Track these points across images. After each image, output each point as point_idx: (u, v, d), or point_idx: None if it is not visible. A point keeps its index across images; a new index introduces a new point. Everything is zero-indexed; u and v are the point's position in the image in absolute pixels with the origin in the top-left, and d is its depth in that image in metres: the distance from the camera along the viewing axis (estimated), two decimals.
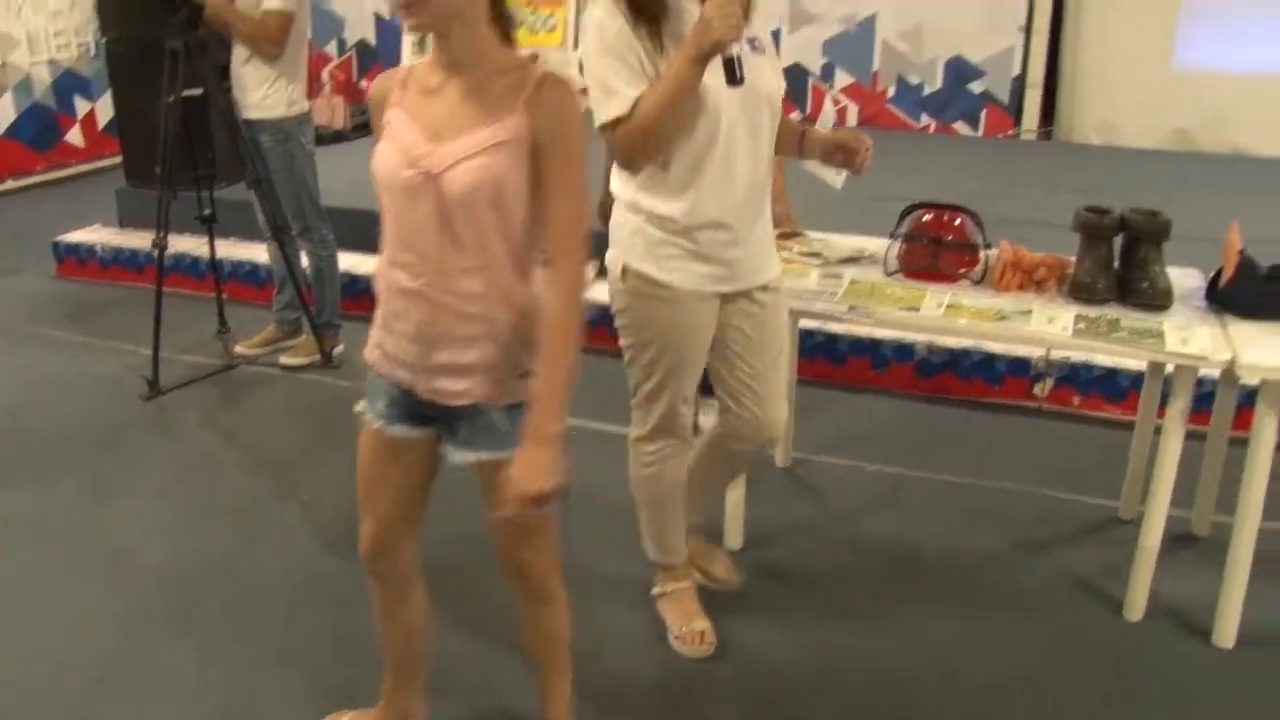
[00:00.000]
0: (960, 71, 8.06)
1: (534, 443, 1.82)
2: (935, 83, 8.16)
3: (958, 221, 3.12)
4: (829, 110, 3.50)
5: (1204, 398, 3.56)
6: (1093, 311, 2.88)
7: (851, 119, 8.31)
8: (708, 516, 3.11)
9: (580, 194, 1.84)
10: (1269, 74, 7.51)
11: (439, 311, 1.89)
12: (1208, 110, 7.69)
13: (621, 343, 2.58)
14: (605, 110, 2.28)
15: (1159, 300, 2.88)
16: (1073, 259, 3.02)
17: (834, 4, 8.24)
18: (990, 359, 4.32)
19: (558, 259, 1.84)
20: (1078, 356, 4.19)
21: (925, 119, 8.24)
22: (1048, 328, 2.80)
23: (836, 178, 3.44)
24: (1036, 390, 4.31)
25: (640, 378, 2.59)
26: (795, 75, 8.33)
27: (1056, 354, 4.22)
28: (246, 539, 3.40)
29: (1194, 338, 2.72)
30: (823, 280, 3.11)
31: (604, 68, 2.28)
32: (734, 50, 2.20)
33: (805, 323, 4.10)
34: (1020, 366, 4.30)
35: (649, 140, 2.28)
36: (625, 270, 2.48)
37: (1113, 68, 7.55)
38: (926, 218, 3.14)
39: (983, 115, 8.08)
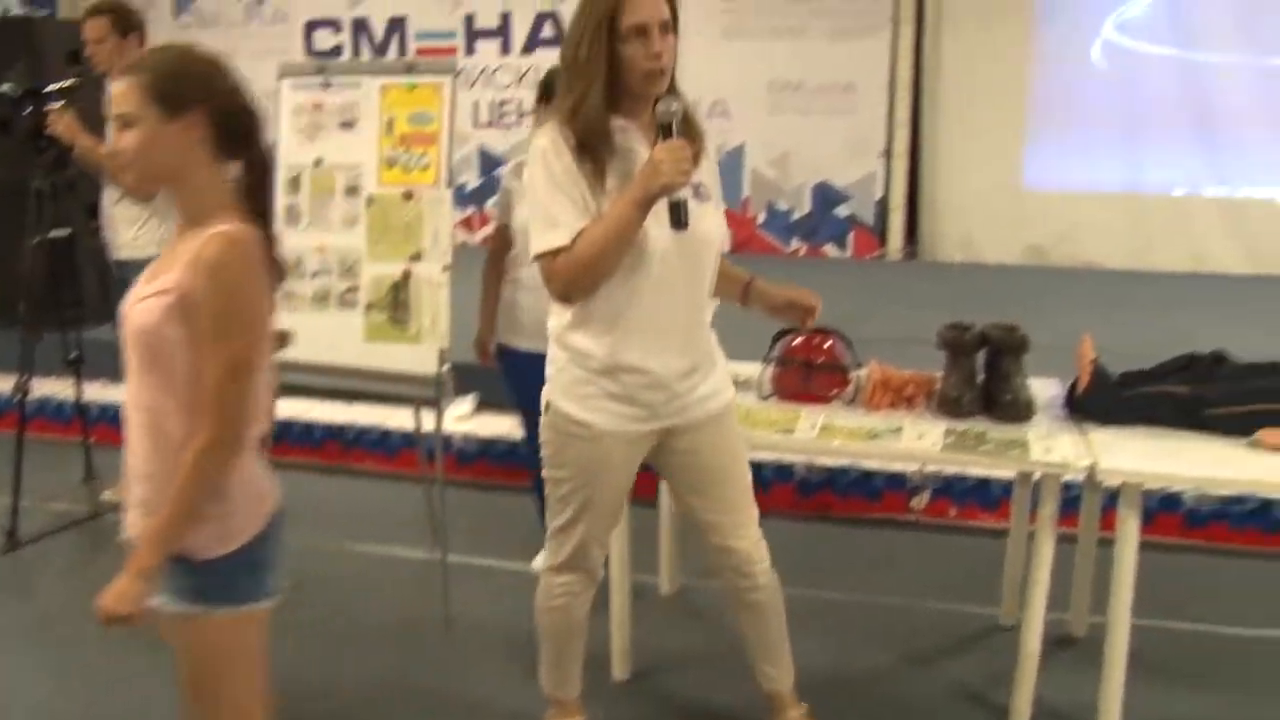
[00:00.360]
0: (827, 196, 8.37)
1: (126, 570, 1.85)
2: (803, 207, 8.46)
3: (827, 344, 3.21)
4: None
5: (1072, 501, 3.68)
6: (960, 425, 2.98)
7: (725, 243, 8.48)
8: (592, 649, 3.02)
9: (223, 360, 1.83)
10: (1110, 192, 7.99)
11: (129, 446, 1.95)
12: (1057, 227, 8.13)
13: (544, 473, 2.59)
14: (547, 240, 2.29)
15: (1022, 412, 2.99)
16: (939, 375, 3.13)
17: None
18: (867, 476, 4.40)
19: (201, 418, 1.84)
20: (951, 469, 4.30)
21: (795, 243, 8.51)
22: (918, 444, 2.88)
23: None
24: (914, 504, 4.39)
25: (556, 510, 2.60)
26: None
27: (931, 467, 4.32)
28: (109, 693, 3.25)
29: (1057, 446, 2.83)
30: None
31: (549, 199, 2.29)
32: (681, 195, 2.23)
33: None
34: (897, 481, 4.39)
35: (588, 274, 2.29)
36: (549, 405, 2.50)
37: (968, 189, 7.93)
38: (797, 342, 3.22)
39: (850, 237, 8.38)
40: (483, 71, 8.84)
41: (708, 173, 2.51)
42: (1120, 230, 8.08)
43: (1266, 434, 2.83)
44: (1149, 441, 2.88)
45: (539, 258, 2.33)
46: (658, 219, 2.27)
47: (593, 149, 2.29)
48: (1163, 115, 7.93)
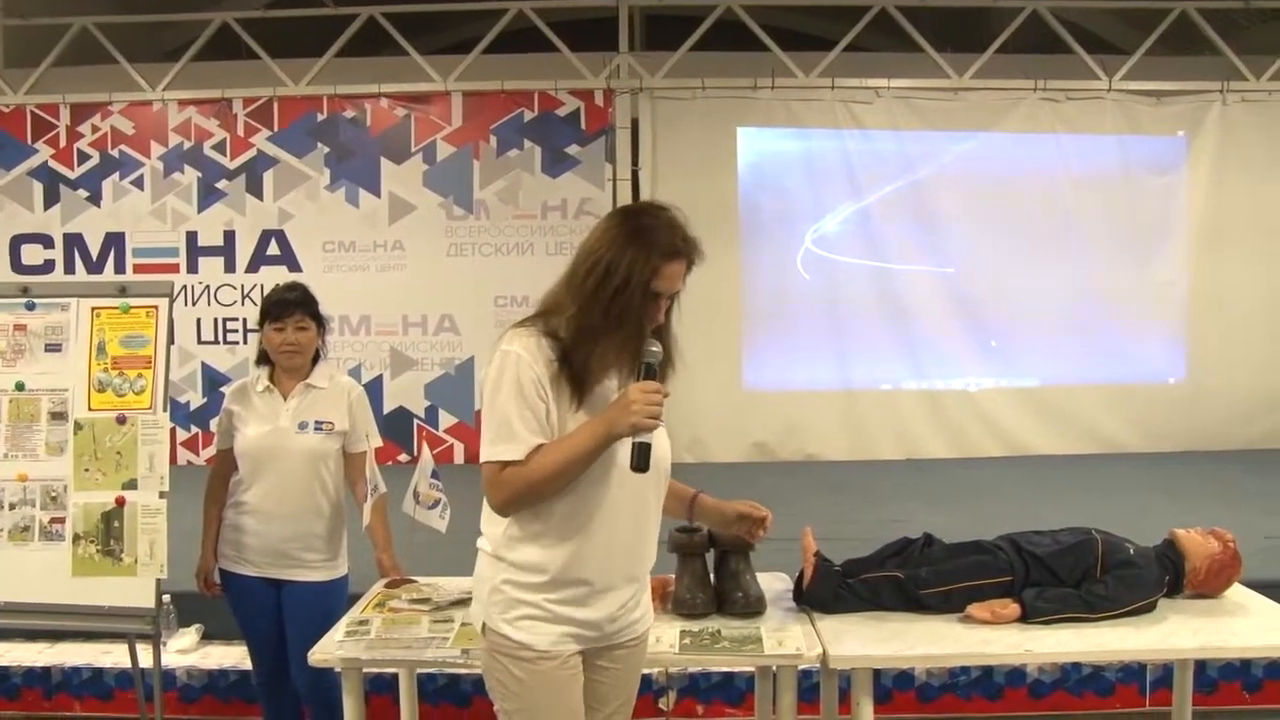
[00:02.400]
0: None
1: None
2: None
3: None
4: (426, 456, 3.57)
5: (812, 688, 3.77)
6: (695, 625, 3.03)
7: (459, 456, 8.50)
8: None
9: None
10: (825, 390, 8.55)
11: None
12: (779, 424, 8.57)
13: (495, 707, 2.42)
14: (499, 450, 2.23)
15: (753, 608, 3.08)
16: (672, 577, 3.18)
17: (432, 349, 8.58)
18: None
19: None
20: (694, 667, 4.33)
21: None
22: (656, 646, 2.89)
23: (441, 521, 3.50)
24: (662, 704, 4.39)
25: None
26: (399, 418, 8.49)
27: (674, 668, 4.34)
28: None
29: (788, 638, 2.91)
30: (433, 626, 3.07)
31: (511, 409, 2.23)
32: (647, 438, 2.21)
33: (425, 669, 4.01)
34: (644, 683, 4.37)
35: (533, 494, 2.24)
36: (484, 628, 2.38)
37: (694, 391, 8.25)
38: None
39: None
40: (206, 289, 8.66)
41: None
42: (837, 424, 8.61)
43: (975, 608, 3.03)
44: (874, 625, 3.02)
45: (486, 464, 2.26)
46: (616, 450, 2.25)
47: (579, 376, 2.26)
48: (863, 317, 8.60)
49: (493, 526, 2.37)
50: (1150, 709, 4.39)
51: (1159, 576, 3.13)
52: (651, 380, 2.24)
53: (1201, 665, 4.25)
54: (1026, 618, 3.00)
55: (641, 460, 2.22)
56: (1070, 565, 3.13)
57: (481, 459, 2.28)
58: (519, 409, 2.23)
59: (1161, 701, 4.20)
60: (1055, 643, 2.93)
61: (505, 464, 2.23)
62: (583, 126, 8.51)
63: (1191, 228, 8.65)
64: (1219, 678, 4.42)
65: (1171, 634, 2.97)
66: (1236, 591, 3.27)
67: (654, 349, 2.27)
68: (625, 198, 8.43)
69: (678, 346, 2.40)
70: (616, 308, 2.24)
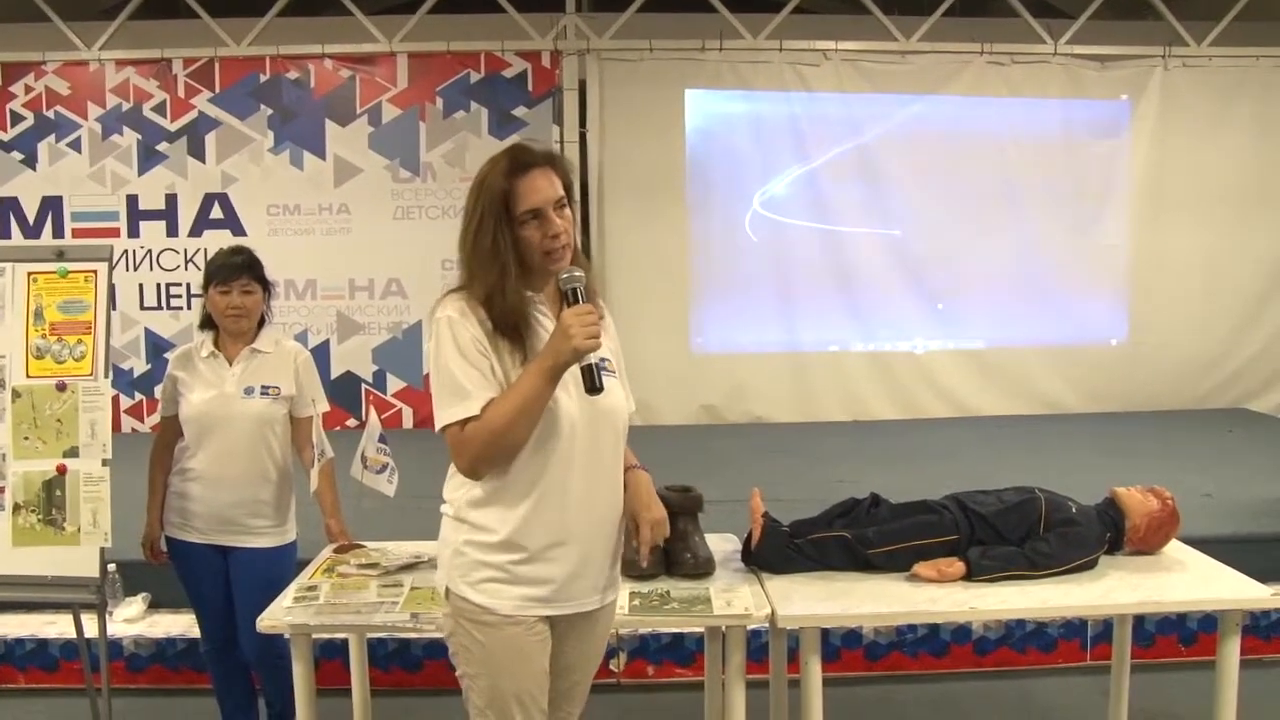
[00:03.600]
0: None
1: None
2: None
3: None
4: (374, 421, 3.56)
5: (762, 648, 3.81)
6: (645, 587, 3.05)
7: (407, 421, 8.46)
8: None
9: None
10: (773, 352, 8.60)
11: None
12: (727, 386, 8.61)
13: (458, 673, 2.43)
14: (454, 411, 2.22)
15: (702, 569, 3.10)
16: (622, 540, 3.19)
17: (380, 313, 8.52)
18: None
19: None
20: (644, 629, 4.36)
21: None
22: None
23: (389, 485, 3.49)
24: (613, 666, 4.41)
25: (478, 716, 2.41)
26: (347, 383, 8.44)
27: (624, 630, 4.37)
28: None
29: (737, 599, 2.94)
30: (382, 591, 3.07)
31: (457, 369, 2.23)
32: (592, 359, 2.20)
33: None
34: None
35: (498, 444, 2.21)
36: (448, 592, 2.35)
37: (643, 354, 8.23)
38: None
39: None
40: (148, 254, 8.51)
41: (610, 349, 2.43)
42: (784, 386, 8.66)
43: (921, 567, 3.08)
44: (822, 585, 3.06)
45: (446, 428, 2.24)
46: (566, 390, 2.25)
47: (503, 325, 2.26)
48: (811, 280, 8.64)
49: (454, 490, 2.36)
50: (1091, 663, 4.49)
51: (1100, 534, 3.20)
52: (582, 304, 2.21)
53: (1140, 620, 4.35)
54: (971, 576, 3.06)
55: (594, 380, 2.21)
56: (1014, 524, 3.19)
57: (439, 425, 2.26)
58: (463, 367, 2.23)
59: (1102, 656, 4.29)
60: (999, 600, 2.98)
61: (464, 422, 2.21)
62: (530, 88, 8.43)
63: (1134, 191, 8.76)
64: (1156, 632, 4.53)
65: (1112, 590, 3.04)
66: (1174, 548, 3.35)
67: (576, 274, 2.26)
68: (573, 160, 8.39)
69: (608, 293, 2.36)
70: (495, 243, 2.26)
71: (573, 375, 2.23)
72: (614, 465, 2.42)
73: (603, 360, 2.32)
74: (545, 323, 2.32)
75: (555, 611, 2.35)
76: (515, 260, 2.27)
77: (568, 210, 2.33)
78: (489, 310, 2.27)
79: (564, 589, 2.34)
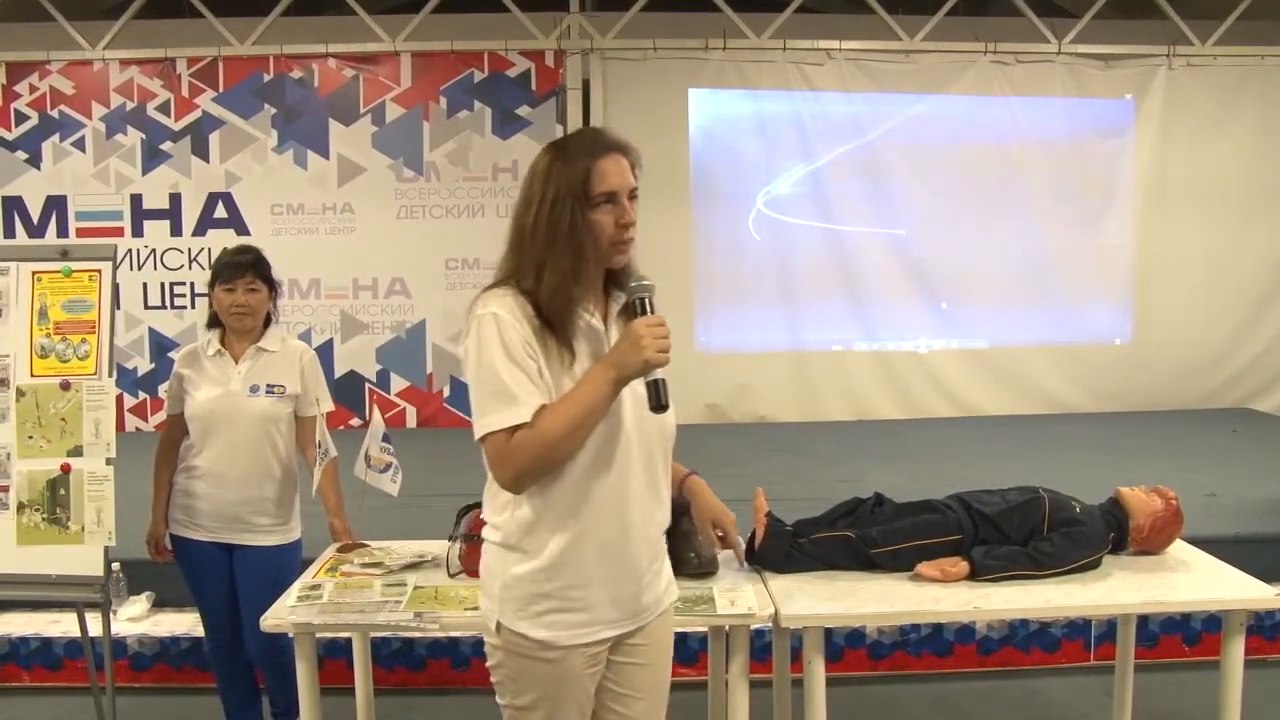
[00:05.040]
0: None
1: None
2: None
3: None
4: (377, 420, 3.56)
5: (765, 647, 3.81)
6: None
7: (411, 420, 8.47)
8: None
9: None
10: (777, 351, 8.60)
11: None
12: (732, 385, 8.60)
13: (501, 702, 2.27)
14: (501, 417, 2.04)
15: (705, 568, 3.10)
16: None
17: (383, 312, 8.52)
18: None
19: None
20: None
21: None
22: None
23: (393, 485, 3.49)
24: None
25: None
26: (350, 382, 8.44)
27: None
28: None
29: (740, 598, 2.93)
30: (386, 590, 3.06)
31: (505, 373, 2.05)
32: (659, 373, 2.07)
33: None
34: None
35: (549, 456, 2.05)
36: (499, 626, 2.19)
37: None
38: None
39: None
40: (152, 253, 8.53)
41: None
42: (788, 385, 8.66)
43: (923, 567, 3.08)
44: (825, 584, 3.05)
45: (489, 436, 2.06)
46: (621, 401, 2.11)
47: (559, 322, 2.11)
48: (814, 279, 8.64)
49: (500, 513, 2.20)
50: (1095, 663, 4.49)
51: (1104, 534, 3.20)
52: (654, 315, 2.10)
53: (1144, 620, 4.35)
54: (975, 575, 3.05)
55: (661, 397, 2.08)
56: (1018, 523, 3.19)
57: (480, 433, 2.08)
58: (511, 371, 2.06)
59: (1106, 656, 4.29)
60: (1003, 600, 2.98)
61: (512, 430, 2.04)
62: (533, 88, 8.43)
63: (1138, 190, 8.76)
64: (1160, 632, 4.52)
65: (1116, 590, 3.03)
66: (1178, 548, 3.35)
67: (646, 282, 2.14)
68: None
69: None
70: (574, 224, 2.11)
71: (628, 388, 2.10)
72: (664, 479, 2.30)
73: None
74: (593, 323, 2.18)
75: (613, 632, 2.23)
76: (577, 245, 2.12)
77: (635, 204, 2.20)
78: (549, 302, 2.10)
79: (621, 608, 2.22)
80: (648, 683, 2.35)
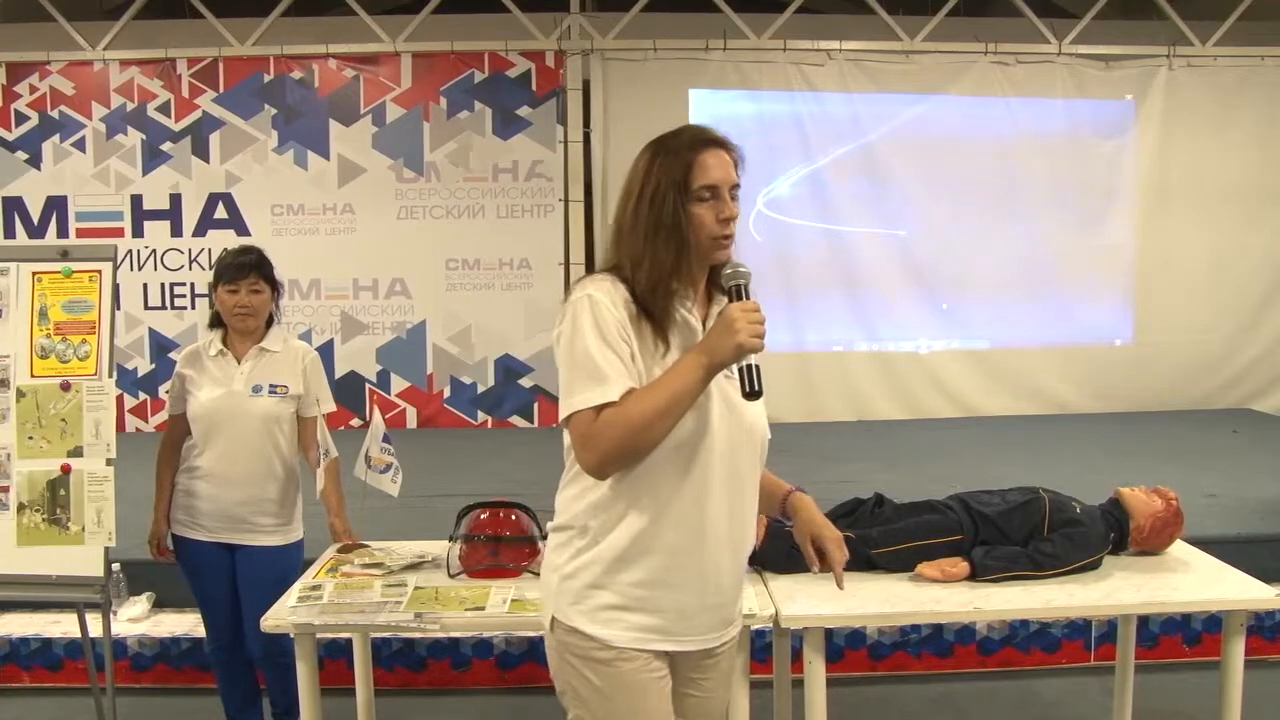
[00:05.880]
0: (510, 368, 8.50)
1: None
2: (488, 381, 8.55)
3: (513, 517, 3.24)
4: (378, 420, 3.56)
5: (766, 648, 3.81)
6: None
7: (411, 421, 8.47)
8: None
9: None
10: (779, 351, 8.57)
11: None
12: None
13: (570, 713, 2.17)
14: (588, 395, 1.98)
15: None
16: None
17: (384, 313, 8.52)
18: None
19: None
20: None
21: (481, 416, 8.55)
22: None
23: (393, 485, 3.50)
24: None
25: None
26: (351, 383, 8.44)
27: None
28: None
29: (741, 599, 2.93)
30: (386, 590, 3.06)
31: (597, 353, 1.99)
32: (753, 359, 2.01)
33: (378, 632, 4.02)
34: None
35: (634, 440, 1.96)
36: (554, 622, 2.12)
37: None
38: (483, 516, 3.23)
39: (535, 407, 8.52)
40: (152, 254, 8.53)
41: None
42: (789, 385, 8.64)
43: (924, 567, 3.08)
44: (825, 585, 3.02)
45: (574, 416, 2.00)
46: (708, 395, 2.05)
47: (657, 312, 2.06)
48: (815, 280, 8.64)
49: (571, 501, 2.13)
50: (1095, 664, 4.48)
51: (1104, 534, 3.20)
52: (749, 300, 2.04)
53: (1144, 620, 4.34)
54: (975, 576, 3.06)
55: (754, 383, 2.01)
56: (1018, 524, 3.19)
57: (565, 412, 2.03)
58: (603, 350, 2.00)
59: (1106, 656, 4.29)
60: (1003, 600, 2.98)
61: (599, 410, 1.97)
62: (533, 88, 8.43)
63: (1138, 191, 8.75)
64: (1160, 632, 4.52)
65: (1116, 590, 3.04)
66: (1179, 548, 3.35)
67: (743, 269, 2.09)
68: (577, 160, 8.40)
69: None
70: (677, 215, 2.06)
71: (715, 383, 2.05)
72: (751, 488, 2.20)
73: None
74: (690, 320, 2.12)
75: (675, 646, 2.12)
76: (679, 237, 2.08)
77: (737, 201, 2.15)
78: (648, 292, 2.06)
79: (687, 620, 2.11)
80: (704, 713, 2.24)
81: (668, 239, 2.07)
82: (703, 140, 2.13)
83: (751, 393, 2.02)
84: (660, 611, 2.08)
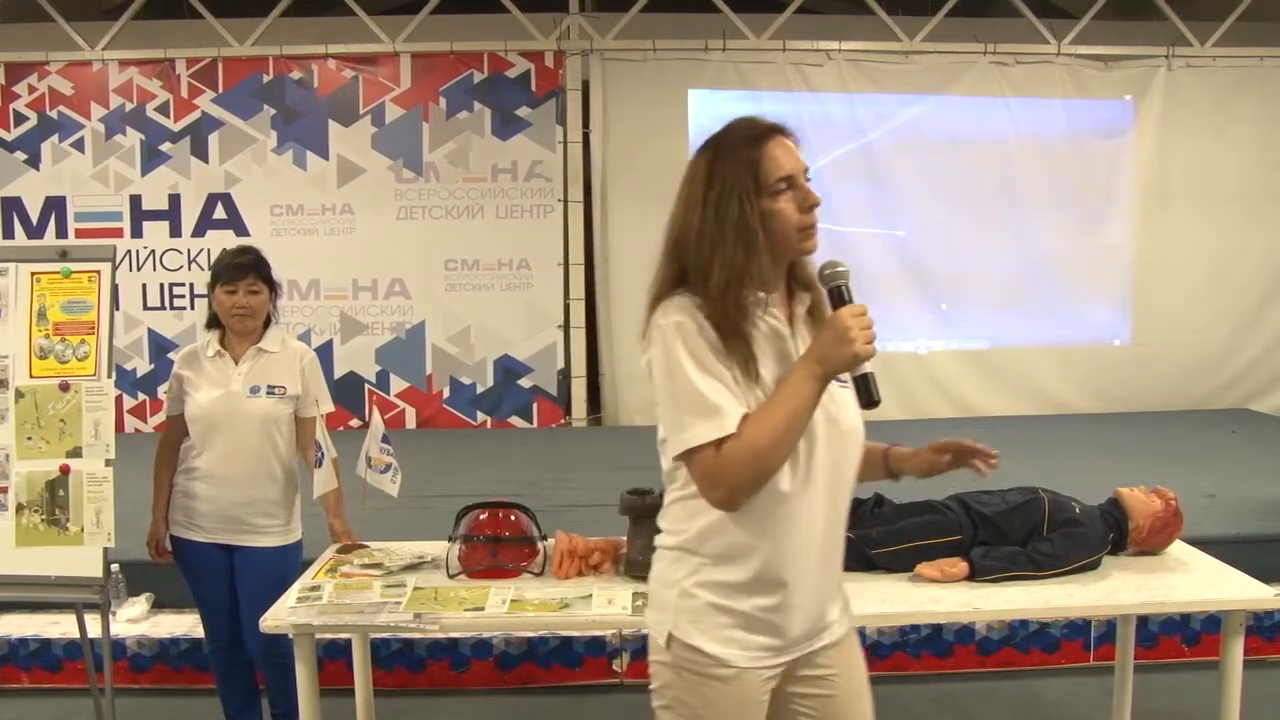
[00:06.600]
0: (509, 369, 8.51)
1: None
2: (487, 381, 8.55)
3: (513, 518, 3.24)
4: (377, 421, 3.56)
5: None
6: (647, 586, 3.03)
7: (410, 421, 8.47)
8: None
9: None
10: None
11: None
12: None
13: None
14: (702, 432, 1.87)
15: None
16: (624, 539, 3.19)
17: (383, 313, 8.52)
18: (567, 643, 4.39)
19: None
20: (648, 629, 4.35)
21: (481, 416, 8.55)
22: (608, 609, 2.91)
23: (393, 485, 3.50)
24: (616, 667, 4.41)
25: None
26: (350, 383, 8.44)
27: (627, 629, 4.36)
28: None
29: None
30: (386, 591, 3.06)
31: (701, 383, 1.88)
32: (867, 367, 1.94)
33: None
34: (597, 646, 4.40)
35: (761, 467, 1.88)
36: (670, 639, 2.03)
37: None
38: (482, 517, 3.23)
39: (534, 408, 8.52)
40: (151, 254, 8.52)
41: None
42: None
43: (923, 567, 3.08)
44: None
45: (691, 453, 1.90)
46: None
47: (735, 324, 1.94)
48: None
49: (679, 520, 2.03)
50: (1094, 664, 4.48)
51: (1103, 534, 3.20)
52: (856, 304, 1.96)
53: (1143, 620, 4.34)
54: (975, 576, 3.06)
55: (873, 392, 1.95)
56: (1018, 524, 3.19)
57: (679, 449, 1.92)
58: (706, 381, 1.89)
59: (1105, 656, 4.29)
60: (1003, 600, 2.98)
61: (718, 444, 1.87)
62: (533, 88, 8.43)
63: (1138, 191, 8.76)
64: (1160, 632, 4.52)
65: (1115, 590, 3.04)
66: (1178, 548, 3.35)
67: (840, 268, 2.02)
68: (576, 160, 8.40)
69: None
70: (744, 213, 1.97)
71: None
72: (849, 495, 2.11)
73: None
74: (777, 326, 2.02)
75: (790, 657, 2.06)
76: (757, 238, 1.97)
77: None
78: (720, 302, 1.94)
79: (802, 628, 2.05)
80: (843, 712, 2.16)
81: (736, 242, 1.96)
82: (761, 131, 2.04)
83: (870, 402, 1.96)
84: (783, 628, 2.02)
